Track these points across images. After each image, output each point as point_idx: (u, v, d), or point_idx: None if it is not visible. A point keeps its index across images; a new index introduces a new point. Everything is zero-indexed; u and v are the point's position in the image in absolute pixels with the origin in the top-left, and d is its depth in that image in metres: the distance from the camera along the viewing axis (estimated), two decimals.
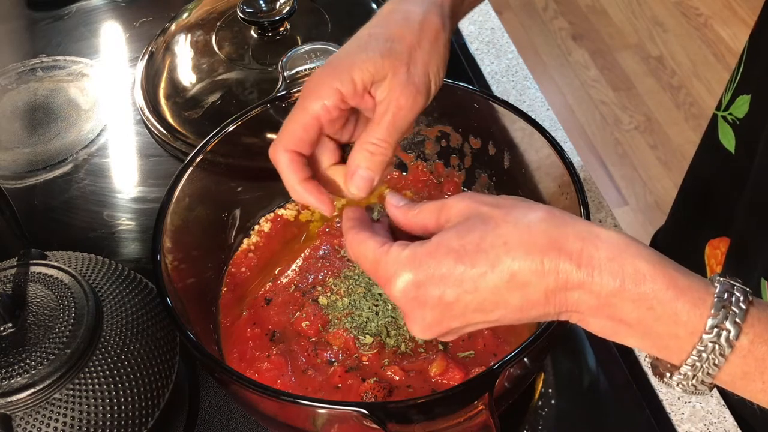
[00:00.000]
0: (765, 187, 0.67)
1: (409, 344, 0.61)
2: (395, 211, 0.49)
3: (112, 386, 0.55)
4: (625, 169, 2.09)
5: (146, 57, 0.94)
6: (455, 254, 0.43)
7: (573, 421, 0.66)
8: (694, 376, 0.41)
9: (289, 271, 0.68)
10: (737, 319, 0.40)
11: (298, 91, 0.70)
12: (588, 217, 0.57)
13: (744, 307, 0.40)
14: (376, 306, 0.63)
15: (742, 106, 0.71)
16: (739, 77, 0.73)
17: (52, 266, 0.58)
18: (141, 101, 0.90)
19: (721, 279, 0.41)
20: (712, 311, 0.40)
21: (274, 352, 0.62)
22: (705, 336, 0.40)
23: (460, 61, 0.94)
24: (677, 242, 0.88)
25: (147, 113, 0.88)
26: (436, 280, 0.43)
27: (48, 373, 0.52)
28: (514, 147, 0.68)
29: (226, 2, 0.95)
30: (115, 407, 0.55)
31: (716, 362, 0.40)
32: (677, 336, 0.41)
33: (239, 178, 0.72)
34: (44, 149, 0.88)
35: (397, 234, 0.49)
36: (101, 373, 0.55)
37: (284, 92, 0.70)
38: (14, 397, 0.52)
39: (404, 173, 0.75)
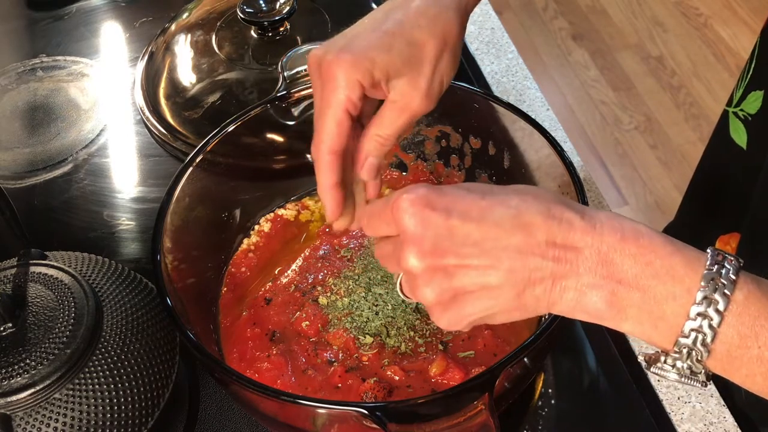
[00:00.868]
0: None
1: (409, 344, 0.61)
2: None
3: (112, 386, 0.55)
4: (625, 169, 2.09)
5: (146, 57, 0.94)
6: (467, 189, 0.45)
7: (573, 421, 0.66)
8: (690, 350, 0.41)
9: (289, 271, 0.68)
10: (731, 274, 0.41)
11: (299, 90, 0.70)
12: None
13: (736, 264, 0.41)
14: (376, 306, 0.63)
15: (754, 102, 0.71)
16: (751, 73, 0.72)
17: (52, 266, 0.58)
18: (141, 101, 0.90)
19: (711, 248, 0.42)
20: (707, 265, 0.41)
21: (274, 352, 0.62)
22: (700, 293, 0.40)
23: (460, 61, 0.94)
24: (686, 239, 0.88)
25: (147, 113, 0.88)
26: (447, 201, 0.44)
27: (48, 373, 0.52)
28: (514, 147, 0.68)
29: (226, 2, 0.95)
30: (115, 407, 0.55)
31: (713, 323, 0.40)
32: (674, 297, 0.41)
33: (239, 178, 0.72)
34: (44, 149, 0.88)
35: None
36: (101, 373, 0.55)
37: (284, 92, 0.70)
38: (14, 397, 0.52)
39: (404, 173, 0.75)
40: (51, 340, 0.53)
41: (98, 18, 1.05)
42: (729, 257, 0.41)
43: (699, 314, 0.40)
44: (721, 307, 0.40)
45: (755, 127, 0.72)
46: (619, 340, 0.70)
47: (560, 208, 0.43)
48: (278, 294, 0.67)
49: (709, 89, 2.26)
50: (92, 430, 0.54)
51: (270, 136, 0.75)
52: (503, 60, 0.95)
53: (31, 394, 0.52)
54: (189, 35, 0.93)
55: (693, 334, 0.41)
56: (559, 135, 0.84)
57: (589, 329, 0.70)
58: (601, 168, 2.10)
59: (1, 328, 0.54)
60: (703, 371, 0.42)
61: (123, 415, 0.55)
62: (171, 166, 0.84)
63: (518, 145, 0.68)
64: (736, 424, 0.64)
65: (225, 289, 0.68)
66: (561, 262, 0.42)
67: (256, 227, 0.73)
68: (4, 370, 0.52)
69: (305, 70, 0.72)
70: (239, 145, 0.70)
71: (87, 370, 0.54)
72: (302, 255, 0.69)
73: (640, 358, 0.68)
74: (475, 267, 0.43)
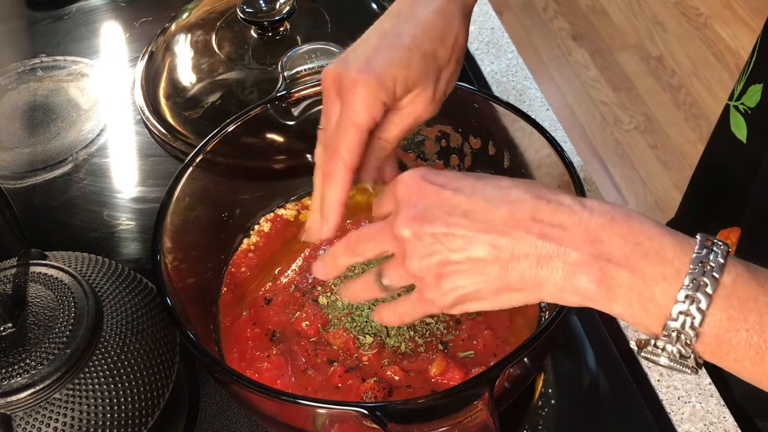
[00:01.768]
0: None
1: (409, 344, 0.61)
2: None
3: (112, 386, 0.55)
4: (625, 169, 2.09)
5: (146, 57, 0.94)
6: (464, 173, 0.47)
7: (573, 421, 0.66)
8: (680, 334, 0.41)
9: (289, 271, 0.68)
10: (720, 258, 0.41)
11: (298, 90, 0.70)
12: None
13: (724, 249, 0.41)
14: (376, 306, 0.63)
15: (753, 96, 0.72)
16: (751, 67, 0.73)
17: (52, 266, 0.58)
18: (141, 101, 0.89)
19: (701, 233, 0.43)
20: (696, 248, 0.41)
21: (274, 352, 0.62)
22: (688, 276, 0.40)
23: None
24: (686, 233, 0.88)
25: (147, 113, 0.88)
26: (443, 178, 0.46)
27: (48, 373, 0.52)
28: (514, 147, 0.68)
29: (226, 2, 0.95)
30: (115, 407, 0.55)
31: (701, 305, 0.40)
32: (663, 278, 0.41)
33: (239, 178, 0.72)
34: (44, 149, 0.88)
35: None
36: (101, 373, 0.55)
37: (284, 92, 0.70)
38: (14, 397, 0.52)
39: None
40: (51, 340, 0.53)
41: (98, 18, 1.05)
42: (718, 242, 0.42)
43: (687, 297, 0.40)
44: (709, 289, 0.40)
45: (755, 121, 0.73)
46: (619, 340, 0.70)
47: (551, 192, 0.44)
48: (278, 294, 0.67)
49: (709, 89, 2.26)
50: (92, 430, 0.54)
51: (270, 136, 0.75)
52: (503, 60, 0.95)
53: (31, 394, 0.52)
54: (189, 35, 0.93)
55: (681, 317, 0.41)
56: (559, 135, 0.84)
57: (589, 329, 0.70)
58: (601, 168, 2.10)
59: (1, 328, 0.54)
60: (692, 356, 0.42)
61: (123, 415, 0.55)
62: (171, 166, 0.84)
63: (518, 145, 0.68)
64: (735, 424, 0.64)
65: (225, 289, 0.68)
66: (547, 238, 0.42)
67: (256, 227, 0.73)
68: (4, 370, 0.52)
69: (305, 70, 0.72)
70: (239, 145, 0.70)
71: (87, 370, 0.54)
72: (302, 255, 0.69)
73: (632, 344, 0.68)
74: (461, 236, 0.44)
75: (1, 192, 0.57)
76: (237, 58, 0.89)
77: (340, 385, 0.59)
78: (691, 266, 0.41)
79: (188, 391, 0.68)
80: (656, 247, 0.41)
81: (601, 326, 0.70)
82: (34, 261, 0.58)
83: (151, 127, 0.87)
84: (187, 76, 0.90)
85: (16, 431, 0.53)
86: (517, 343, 0.55)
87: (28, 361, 0.53)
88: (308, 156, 0.76)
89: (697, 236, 0.42)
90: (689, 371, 0.43)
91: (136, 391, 0.56)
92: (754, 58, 0.73)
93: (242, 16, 0.85)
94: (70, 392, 0.53)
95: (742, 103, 0.74)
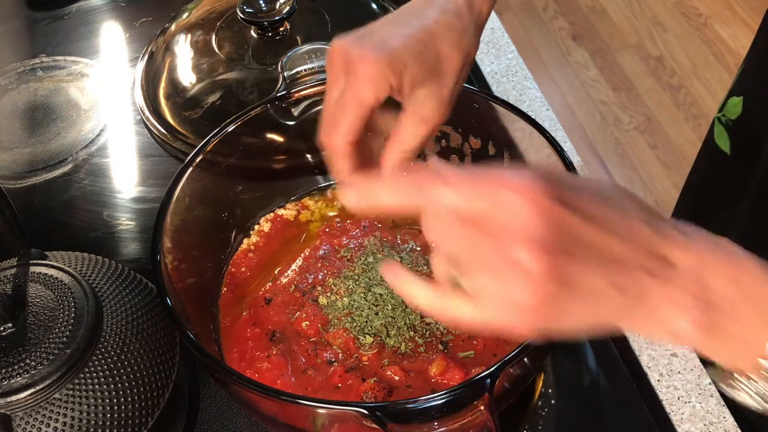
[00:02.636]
0: None
1: (409, 344, 0.61)
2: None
3: (112, 386, 0.55)
4: (625, 169, 2.09)
5: (146, 57, 0.94)
6: (584, 185, 0.42)
7: (573, 421, 0.66)
8: None
9: (289, 271, 0.68)
10: None
11: (298, 90, 0.70)
12: None
13: None
14: (376, 306, 0.63)
15: (734, 108, 0.72)
16: (735, 80, 0.73)
17: (52, 266, 0.58)
18: (141, 101, 0.90)
19: None
20: None
21: (274, 352, 0.62)
22: None
23: None
24: None
25: (147, 113, 0.88)
26: (576, 200, 0.40)
27: (48, 373, 0.52)
28: (514, 147, 0.68)
29: (226, 2, 0.95)
30: (115, 407, 0.55)
31: None
32: (763, 324, 0.39)
33: (239, 178, 0.72)
34: (44, 149, 0.88)
35: None
36: (101, 373, 0.55)
37: (284, 92, 0.70)
38: (14, 397, 0.52)
39: (404, 173, 0.75)
40: (51, 340, 0.53)
41: (98, 18, 1.05)
42: None
43: None
44: None
45: (736, 133, 0.73)
46: (619, 339, 0.70)
47: (650, 211, 0.41)
48: (278, 294, 0.67)
49: (709, 89, 2.26)
50: (92, 430, 0.54)
51: (270, 136, 0.75)
52: (503, 60, 0.95)
53: (31, 394, 0.52)
54: (189, 35, 0.93)
55: None
56: (559, 135, 0.84)
57: None
58: (601, 168, 2.10)
59: (1, 328, 0.54)
60: None
61: (123, 415, 0.55)
62: (171, 166, 0.84)
63: (518, 145, 0.68)
64: (735, 424, 0.64)
65: (225, 289, 0.68)
66: (656, 277, 0.39)
67: (256, 227, 0.73)
68: (4, 370, 0.52)
69: (305, 70, 0.72)
70: (239, 145, 0.70)
71: (87, 370, 0.54)
72: (302, 255, 0.69)
73: (632, 343, 0.67)
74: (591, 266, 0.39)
75: (1, 192, 0.57)
76: (237, 58, 0.89)
77: (340, 385, 0.59)
78: None
79: (188, 391, 0.68)
80: (757, 287, 0.39)
81: None
82: (34, 261, 0.58)
83: (151, 127, 0.87)
84: (187, 76, 0.90)
85: (16, 431, 0.53)
86: (517, 343, 0.54)
87: (28, 361, 0.53)
88: (308, 156, 0.76)
89: None
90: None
91: (136, 391, 0.56)
92: (739, 72, 0.73)
93: (242, 16, 0.85)
94: (70, 392, 0.53)
95: (724, 115, 0.74)
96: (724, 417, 0.65)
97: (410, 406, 0.49)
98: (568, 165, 0.60)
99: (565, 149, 0.62)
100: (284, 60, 0.73)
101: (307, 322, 0.63)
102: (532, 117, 0.65)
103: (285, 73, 0.72)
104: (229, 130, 0.67)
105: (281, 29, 0.88)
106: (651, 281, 0.39)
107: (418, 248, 0.68)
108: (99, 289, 0.59)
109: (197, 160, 0.65)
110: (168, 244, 0.61)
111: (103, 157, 0.88)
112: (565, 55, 2.40)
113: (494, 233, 0.39)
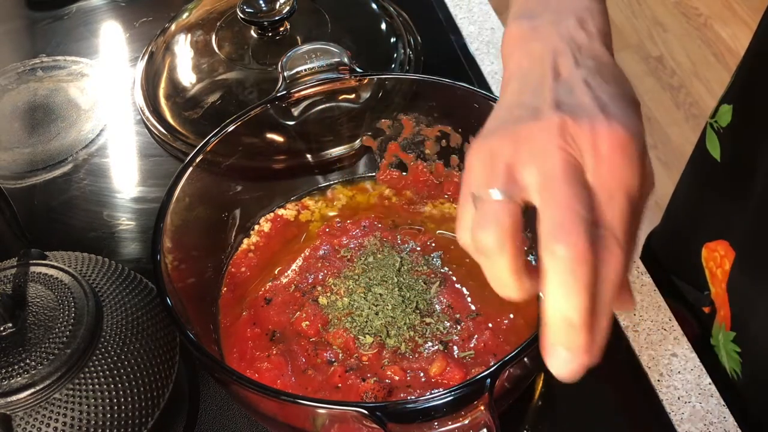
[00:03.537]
0: None
1: (409, 344, 0.61)
2: None
3: (112, 386, 0.55)
4: None
5: (146, 57, 0.94)
6: None
7: (573, 421, 0.66)
8: None
9: (289, 271, 0.68)
10: None
11: (298, 90, 0.70)
12: None
13: None
14: (376, 306, 0.63)
15: (724, 115, 0.72)
16: (727, 88, 0.73)
17: (52, 266, 0.58)
18: (141, 101, 0.90)
19: None
20: None
21: (274, 352, 0.62)
22: None
23: (460, 61, 0.94)
24: (671, 245, 0.88)
25: (147, 113, 0.88)
26: None
27: (48, 373, 0.52)
28: None
29: (226, 2, 0.95)
30: (115, 407, 0.55)
31: None
32: None
33: (239, 178, 0.73)
34: (44, 149, 0.88)
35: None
36: (101, 373, 0.55)
37: (284, 92, 0.70)
38: (14, 397, 0.52)
39: (404, 173, 0.75)
40: (51, 340, 0.53)
41: (98, 18, 1.05)
42: None
43: None
44: None
45: (726, 140, 0.73)
46: (620, 339, 0.70)
47: None
48: (278, 294, 0.67)
49: (709, 89, 2.26)
50: (92, 430, 0.54)
51: (270, 136, 0.75)
52: None
53: (31, 394, 0.52)
54: (189, 35, 0.93)
55: None
56: None
57: None
58: None
59: (1, 328, 0.54)
60: None
61: (123, 415, 0.55)
62: (171, 166, 0.84)
63: None
64: (735, 424, 0.64)
65: (225, 289, 0.68)
66: None
67: (256, 227, 0.73)
68: (4, 370, 0.52)
69: (305, 70, 0.71)
70: (239, 145, 0.70)
71: (87, 370, 0.54)
72: (302, 255, 0.69)
73: (632, 343, 0.68)
74: None
75: (1, 192, 0.57)
76: (237, 58, 0.89)
77: (340, 385, 0.59)
78: None
79: (188, 391, 0.68)
80: None
81: None
82: (34, 261, 0.58)
83: (151, 127, 0.87)
84: (187, 76, 0.90)
85: (16, 431, 0.53)
86: (517, 343, 0.54)
87: (28, 361, 0.53)
88: (308, 156, 0.76)
89: None
90: None
91: (136, 391, 0.56)
92: (732, 80, 0.73)
93: (242, 16, 0.85)
94: (70, 392, 0.53)
95: (715, 121, 0.74)
96: (724, 417, 0.65)
97: (410, 406, 0.49)
98: None
99: None
100: (284, 60, 0.73)
101: (307, 322, 0.63)
102: None
103: (285, 73, 0.72)
104: (229, 130, 0.67)
105: (281, 29, 0.88)
106: None
107: (418, 248, 0.68)
108: (99, 289, 0.59)
109: (197, 160, 0.65)
110: (168, 244, 0.61)
111: (103, 157, 0.88)
112: None
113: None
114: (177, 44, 0.93)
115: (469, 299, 0.64)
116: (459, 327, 0.62)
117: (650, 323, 0.71)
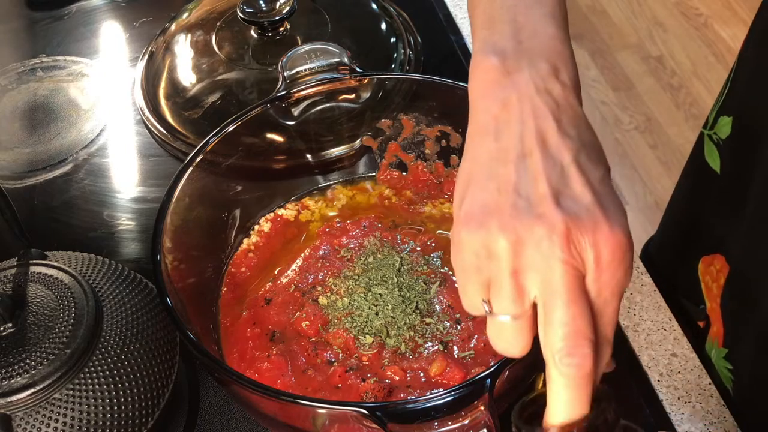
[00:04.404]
0: None
1: (409, 344, 0.61)
2: None
3: (112, 386, 0.55)
4: (625, 169, 2.09)
5: (146, 57, 0.94)
6: None
7: None
8: None
9: (289, 271, 0.68)
10: None
11: (298, 90, 0.70)
12: None
13: None
14: (376, 306, 0.63)
15: (724, 127, 0.71)
16: (723, 98, 0.72)
17: (52, 266, 0.58)
18: (141, 101, 0.90)
19: None
20: None
21: (274, 352, 0.62)
22: None
23: (460, 61, 0.94)
24: (668, 257, 0.86)
25: (147, 113, 0.88)
26: None
27: (48, 373, 0.52)
28: None
29: (226, 2, 0.95)
30: (115, 407, 0.55)
31: None
32: None
33: (239, 178, 0.73)
34: (44, 149, 0.88)
35: None
36: (101, 373, 0.55)
37: (284, 92, 0.70)
38: (14, 397, 0.52)
39: (404, 173, 0.75)
40: (51, 340, 0.53)
41: (98, 18, 1.05)
42: None
43: None
44: None
45: (727, 152, 0.71)
46: (620, 339, 0.70)
47: None
48: (278, 294, 0.67)
49: (709, 89, 2.26)
50: (92, 430, 0.54)
51: (270, 136, 0.75)
52: None
53: (31, 394, 0.52)
54: (189, 35, 0.93)
55: None
56: None
57: None
58: None
59: (1, 328, 0.54)
60: None
61: (123, 415, 0.55)
62: (171, 166, 0.84)
63: None
64: (735, 424, 0.64)
65: (225, 289, 0.68)
66: None
67: (256, 227, 0.73)
68: (4, 370, 0.52)
69: (305, 70, 0.72)
70: (239, 145, 0.70)
71: (87, 370, 0.54)
72: (302, 255, 0.69)
73: (632, 343, 0.67)
74: None
75: (1, 192, 0.57)
76: (237, 58, 0.89)
77: (340, 385, 0.59)
78: None
79: (188, 391, 0.68)
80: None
81: None
82: (34, 261, 0.58)
83: (151, 127, 0.87)
84: (187, 76, 0.90)
85: (16, 431, 0.53)
86: None
87: (28, 361, 0.53)
88: (308, 156, 0.77)
89: None
90: None
91: (136, 391, 0.56)
92: (727, 89, 0.72)
93: (242, 16, 0.85)
94: (70, 392, 0.53)
95: (715, 133, 0.73)
96: (724, 417, 0.65)
97: (410, 406, 0.49)
98: None
99: None
100: (284, 60, 0.73)
101: (307, 322, 0.63)
102: None
103: (285, 73, 0.72)
104: (229, 130, 0.67)
105: (281, 29, 0.88)
106: None
107: (418, 248, 0.68)
108: (99, 289, 0.59)
109: (197, 160, 0.65)
110: (168, 244, 0.61)
111: (103, 157, 0.88)
112: None
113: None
114: (177, 44, 0.93)
115: None
116: (459, 327, 0.62)
117: (650, 323, 0.71)
